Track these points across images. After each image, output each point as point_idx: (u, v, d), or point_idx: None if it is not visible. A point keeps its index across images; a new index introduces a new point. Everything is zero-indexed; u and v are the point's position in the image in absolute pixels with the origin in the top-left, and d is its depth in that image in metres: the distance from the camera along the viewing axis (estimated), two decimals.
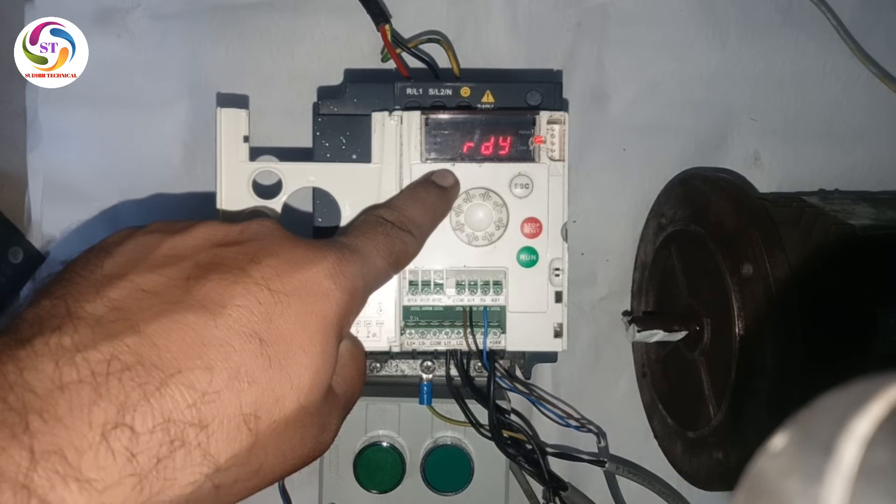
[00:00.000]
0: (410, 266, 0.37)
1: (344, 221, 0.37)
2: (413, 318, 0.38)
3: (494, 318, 0.38)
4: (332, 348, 0.26)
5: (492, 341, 0.38)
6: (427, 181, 0.37)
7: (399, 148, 0.37)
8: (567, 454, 0.46)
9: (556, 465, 0.45)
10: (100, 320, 0.22)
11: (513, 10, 0.47)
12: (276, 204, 0.37)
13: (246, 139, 0.36)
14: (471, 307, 0.38)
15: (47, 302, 0.23)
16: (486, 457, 0.43)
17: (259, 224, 0.28)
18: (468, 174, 0.37)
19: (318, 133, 0.38)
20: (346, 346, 0.29)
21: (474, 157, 0.37)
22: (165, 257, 0.25)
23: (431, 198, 0.36)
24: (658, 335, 0.43)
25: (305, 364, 0.25)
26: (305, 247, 0.27)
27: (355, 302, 0.28)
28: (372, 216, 0.33)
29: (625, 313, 0.50)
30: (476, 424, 0.41)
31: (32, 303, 0.23)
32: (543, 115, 0.37)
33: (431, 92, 0.38)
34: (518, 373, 0.42)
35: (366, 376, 0.32)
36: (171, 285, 0.24)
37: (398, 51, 0.43)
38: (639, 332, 0.43)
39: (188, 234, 0.26)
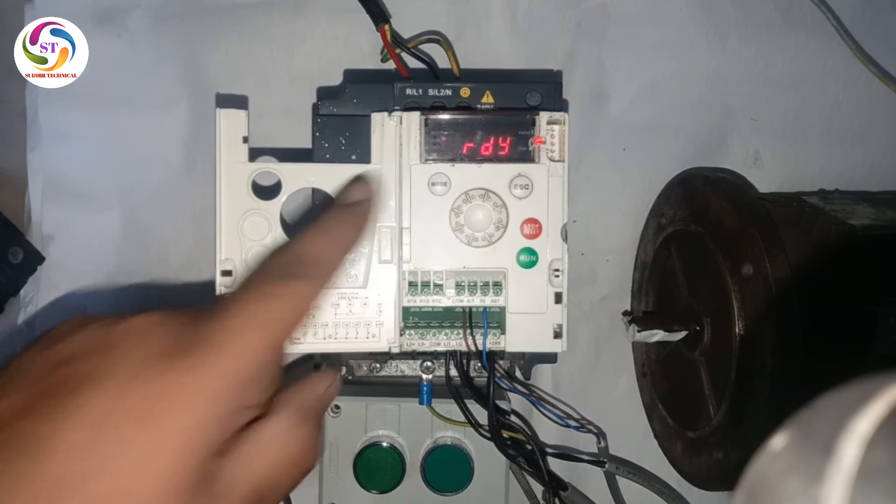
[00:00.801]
0: (410, 267, 0.37)
1: None
2: (413, 318, 0.38)
3: (494, 319, 0.38)
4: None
5: (491, 342, 0.38)
6: (336, 206, 0.34)
7: (399, 148, 0.37)
8: (567, 454, 0.46)
9: (556, 465, 0.45)
10: None
11: (513, 10, 0.47)
12: (275, 205, 0.37)
13: (245, 140, 0.36)
14: (470, 308, 0.38)
15: None
16: (486, 457, 0.43)
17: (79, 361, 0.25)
18: (468, 175, 0.37)
19: (317, 133, 0.38)
20: (270, 429, 0.26)
21: (474, 157, 0.37)
22: None
23: (331, 224, 0.32)
24: (658, 335, 0.43)
25: None
26: (152, 382, 0.24)
27: (225, 411, 0.24)
28: (254, 276, 0.30)
29: (625, 313, 0.50)
30: (476, 425, 0.41)
31: None
32: (543, 116, 0.37)
33: (431, 92, 0.38)
34: (518, 373, 0.42)
35: (315, 452, 0.28)
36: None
37: (398, 51, 0.43)
38: (639, 332, 0.43)
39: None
